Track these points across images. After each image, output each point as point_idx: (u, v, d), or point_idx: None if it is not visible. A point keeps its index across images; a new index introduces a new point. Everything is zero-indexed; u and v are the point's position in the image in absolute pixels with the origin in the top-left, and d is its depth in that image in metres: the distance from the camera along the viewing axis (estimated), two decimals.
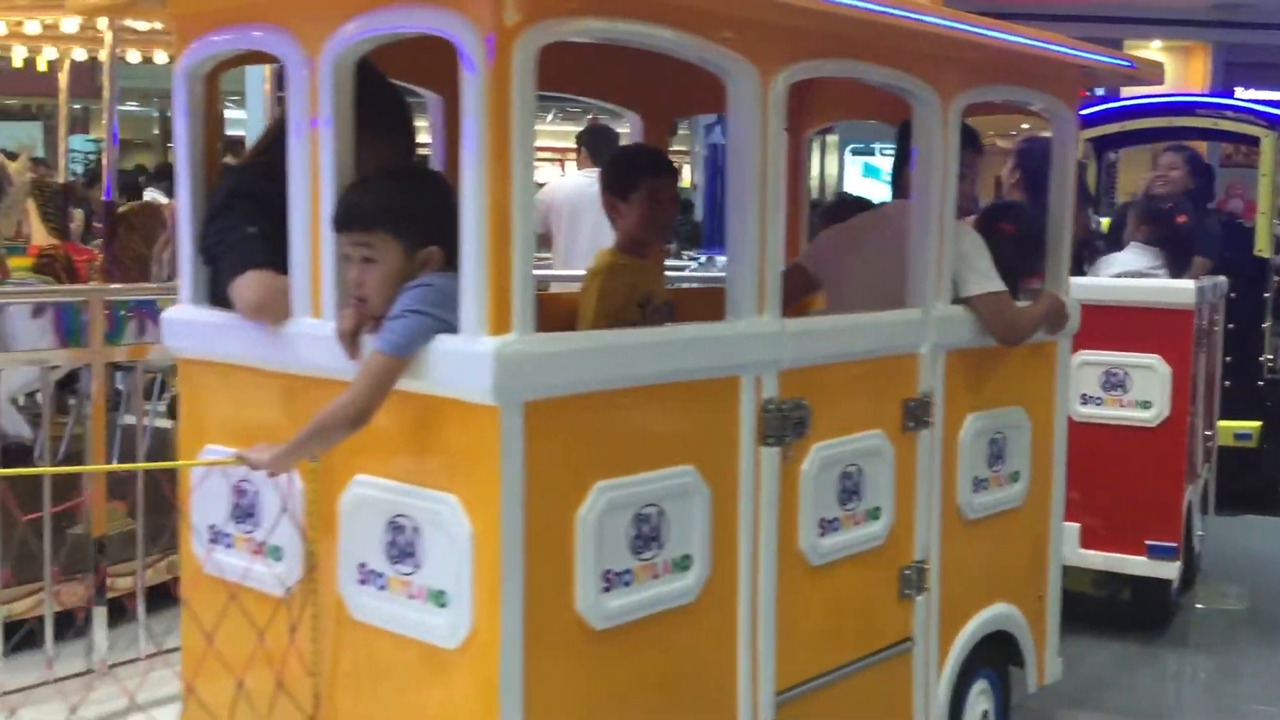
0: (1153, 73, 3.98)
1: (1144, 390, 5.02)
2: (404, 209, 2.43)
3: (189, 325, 2.83)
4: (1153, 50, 17.09)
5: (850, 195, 5.62)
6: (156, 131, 18.84)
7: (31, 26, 8.01)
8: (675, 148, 15.59)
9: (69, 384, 6.06)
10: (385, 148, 2.66)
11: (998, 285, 3.39)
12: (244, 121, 15.75)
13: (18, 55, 8.90)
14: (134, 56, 8.82)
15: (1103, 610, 5.32)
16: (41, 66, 9.15)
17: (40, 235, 7.06)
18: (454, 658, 2.31)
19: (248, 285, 2.55)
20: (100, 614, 4.29)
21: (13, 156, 7.89)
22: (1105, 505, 4.96)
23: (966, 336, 3.36)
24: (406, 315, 2.28)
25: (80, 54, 8.74)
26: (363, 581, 2.46)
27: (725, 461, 2.69)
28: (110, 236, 6.28)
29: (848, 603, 3.08)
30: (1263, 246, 6.47)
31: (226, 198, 2.67)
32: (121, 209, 6.85)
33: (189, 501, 2.79)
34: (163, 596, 4.18)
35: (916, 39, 3.00)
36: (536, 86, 2.21)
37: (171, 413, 6.27)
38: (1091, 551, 5.01)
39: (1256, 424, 6.63)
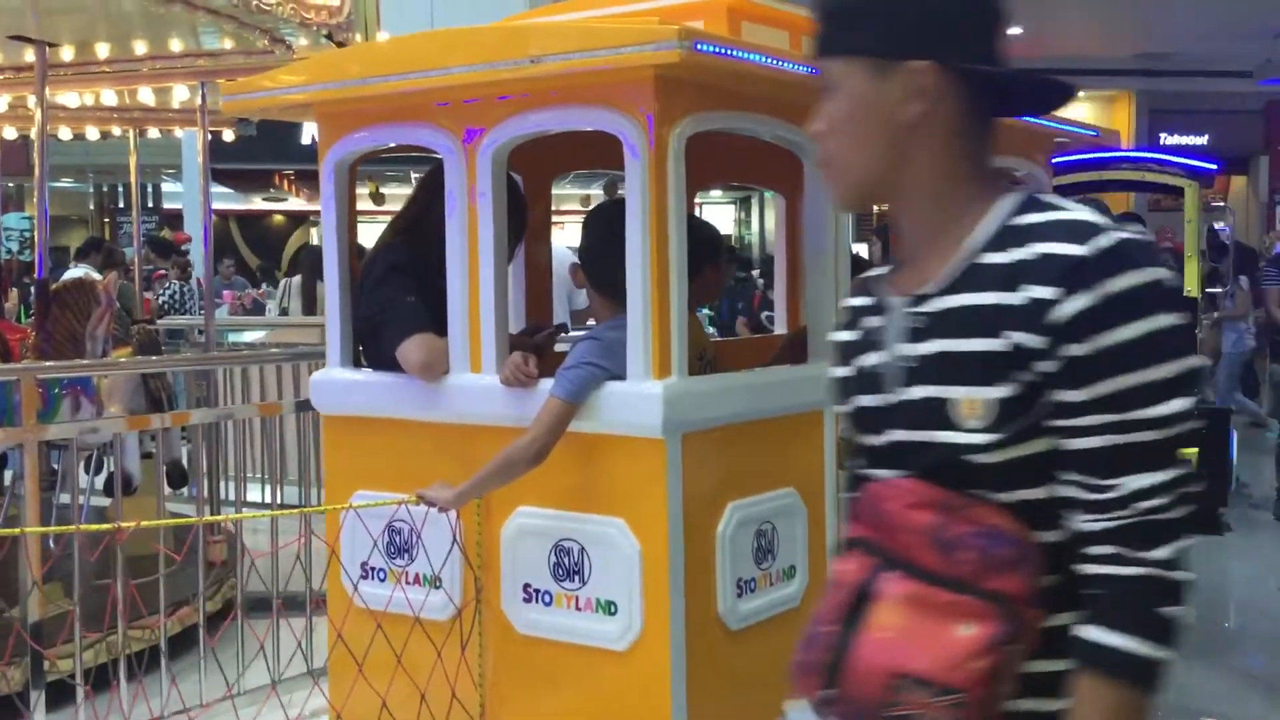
0: (1111, 139, 4.56)
1: None
2: None
3: (339, 385, 3.17)
4: (1077, 99, 17.46)
5: None
6: (92, 207, 18.65)
7: None
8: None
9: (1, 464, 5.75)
10: None
11: None
12: (180, 194, 15.83)
13: None
14: (65, 133, 8.75)
15: None
16: None
17: None
18: (624, 658, 2.69)
19: (415, 347, 2.90)
20: (38, 698, 4.00)
21: None
22: None
23: None
24: (580, 366, 2.67)
25: (11, 132, 8.49)
26: (527, 600, 2.82)
27: (815, 484, 3.12)
28: (43, 314, 5.85)
29: None
30: (1191, 286, 7.08)
31: (385, 271, 3.01)
32: (54, 286, 6.55)
33: (338, 542, 3.11)
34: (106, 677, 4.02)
35: None
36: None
37: (108, 491, 5.83)
38: None
39: (1193, 451, 7.18)
